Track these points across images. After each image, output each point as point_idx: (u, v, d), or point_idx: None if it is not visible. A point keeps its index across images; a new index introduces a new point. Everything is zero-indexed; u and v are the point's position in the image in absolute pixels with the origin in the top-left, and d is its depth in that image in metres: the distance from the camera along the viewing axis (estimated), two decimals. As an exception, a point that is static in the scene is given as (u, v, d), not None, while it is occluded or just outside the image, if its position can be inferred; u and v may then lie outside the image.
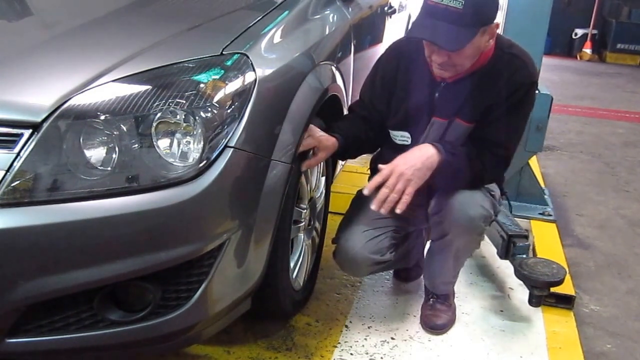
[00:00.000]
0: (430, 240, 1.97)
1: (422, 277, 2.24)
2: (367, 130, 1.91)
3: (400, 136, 1.88)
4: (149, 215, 1.26)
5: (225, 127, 1.36)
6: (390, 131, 1.90)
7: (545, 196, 3.08)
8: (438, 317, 1.97)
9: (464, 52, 1.65)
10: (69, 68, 1.38)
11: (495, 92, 1.74)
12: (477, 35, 1.64)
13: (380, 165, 1.73)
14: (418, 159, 1.69)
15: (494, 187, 1.89)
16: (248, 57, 1.47)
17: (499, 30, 1.84)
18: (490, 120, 1.76)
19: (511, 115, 1.76)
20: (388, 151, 1.92)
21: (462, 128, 1.80)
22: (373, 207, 1.70)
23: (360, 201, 1.96)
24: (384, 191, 1.68)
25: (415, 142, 1.85)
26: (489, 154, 1.77)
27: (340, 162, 2.42)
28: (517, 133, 1.83)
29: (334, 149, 1.81)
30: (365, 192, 1.72)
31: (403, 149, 1.85)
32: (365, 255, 1.87)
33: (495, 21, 1.68)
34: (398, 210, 1.67)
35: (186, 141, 1.32)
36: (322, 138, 1.76)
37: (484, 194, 1.80)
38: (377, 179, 1.70)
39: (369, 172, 2.08)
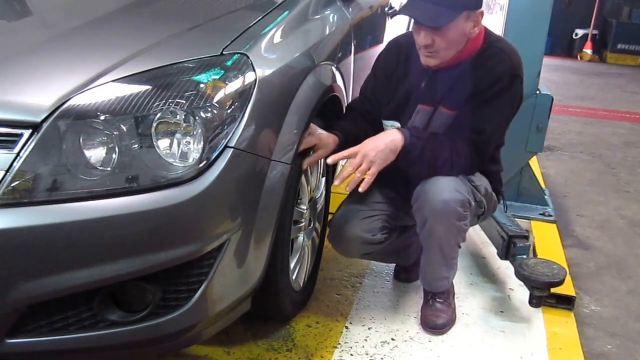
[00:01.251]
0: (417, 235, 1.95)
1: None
2: (366, 126, 1.93)
3: (391, 126, 1.91)
4: (148, 216, 1.26)
5: (225, 127, 1.36)
6: (383, 122, 1.94)
7: (546, 196, 3.08)
8: (438, 317, 1.97)
9: (447, 34, 1.70)
10: (69, 68, 1.38)
11: (476, 81, 1.78)
12: (460, 19, 1.69)
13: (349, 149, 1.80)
14: (382, 141, 1.76)
15: (479, 179, 1.90)
16: (248, 57, 1.47)
17: (500, 32, 1.85)
18: (470, 109, 1.80)
19: (489, 104, 1.79)
20: None
21: (445, 116, 1.84)
22: (336, 182, 1.78)
23: (356, 190, 1.99)
24: (347, 169, 1.76)
25: None
26: (462, 140, 1.80)
27: (341, 163, 2.42)
28: (493, 121, 1.82)
29: (334, 146, 1.83)
30: (329, 161, 1.77)
31: None
32: (357, 232, 1.91)
33: (480, 9, 1.74)
34: (361, 189, 1.74)
35: (186, 141, 1.32)
36: (322, 136, 1.79)
37: (461, 181, 1.82)
38: (344, 153, 1.77)
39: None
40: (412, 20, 1.78)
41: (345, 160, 1.87)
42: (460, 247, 1.94)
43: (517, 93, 1.84)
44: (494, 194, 1.99)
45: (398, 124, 1.90)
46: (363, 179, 1.74)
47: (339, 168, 2.42)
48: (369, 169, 1.74)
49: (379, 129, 1.93)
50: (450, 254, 1.92)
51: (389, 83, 1.94)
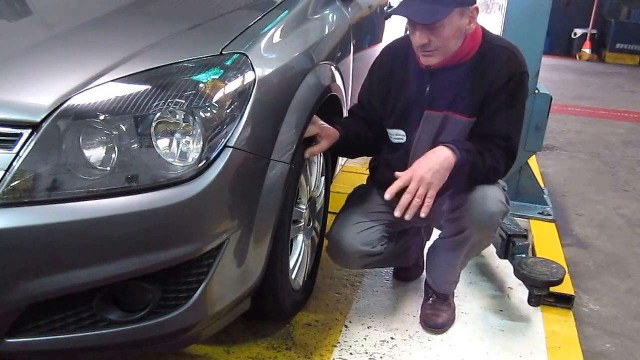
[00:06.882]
0: (440, 238, 1.95)
1: (422, 277, 2.25)
2: (367, 129, 1.92)
3: (396, 134, 1.89)
4: (148, 216, 1.26)
5: (225, 127, 1.36)
6: (387, 130, 1.92)
7: (545, 196, 3.09)
8: (438, 316, 1.98)
9: (442, 32, 1.68)
10: (69, 68, 1.38)
11: (489, 84, 1.76)
12: (455, 15, 1.67)
13: (397, 173, 1.71)
14: (435, 161, 1.68)
15: (502, 181, 1.89)
16: (248, 57, 1.47)
17: (499, 32, 1.85)
18: (490, 114, 1.77)
19: (510, 106, 1.77)
20: (386, 151, 1.95)
21: (461, 123, 1.80)
22: (397, 213, 1.67)
23: (355, 197, 2.01)
24: (406, 197, 1.67)
25: (409, 140, 1.87)
26: (497, 148, 1.77)
27: (340, 163, 2.42)
28: (518, 123, 1.83)
29: (335, 138, 1.81)
30: (387, 197, 1.69)
31: (399, 147, 1.89)
32: (356, 246, 1.88)
33: (475, 5, 1.72)
34: (423, 215, 1.66)
35: (186, 141, 1.32)
36: (324, 127, 1.78)
37: (500, 189, 1.82)
38: (398, 183, 1.68)
39: (368, 172, 2.08)
40: (407, 22, 1.76)
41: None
42: None
43: (527, 90, 1.84)
44: None
45: (403, 133, 1.87)
46: (422, 204, 1.66)
47: (338, 168, 2.42)
48: (427, 193, 1.66)
49: (380, 132, 1.92)
50: (468, 261, 1.96)
51: (386, 91, 1.90)
